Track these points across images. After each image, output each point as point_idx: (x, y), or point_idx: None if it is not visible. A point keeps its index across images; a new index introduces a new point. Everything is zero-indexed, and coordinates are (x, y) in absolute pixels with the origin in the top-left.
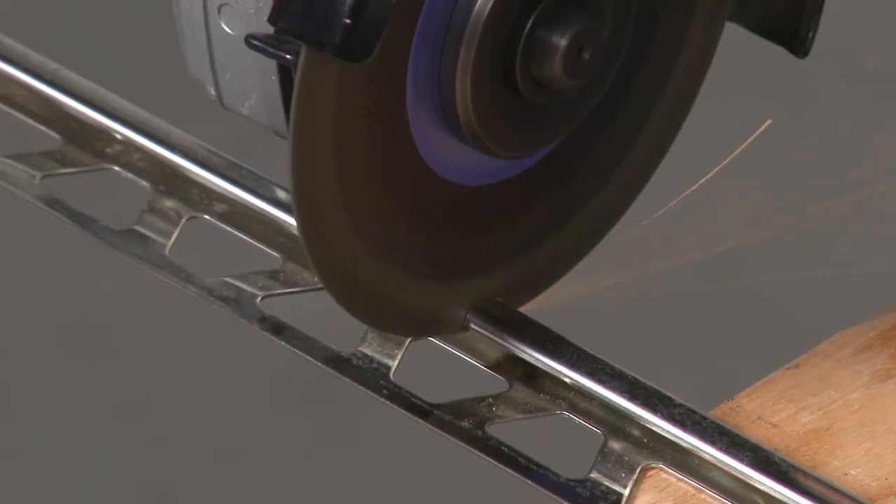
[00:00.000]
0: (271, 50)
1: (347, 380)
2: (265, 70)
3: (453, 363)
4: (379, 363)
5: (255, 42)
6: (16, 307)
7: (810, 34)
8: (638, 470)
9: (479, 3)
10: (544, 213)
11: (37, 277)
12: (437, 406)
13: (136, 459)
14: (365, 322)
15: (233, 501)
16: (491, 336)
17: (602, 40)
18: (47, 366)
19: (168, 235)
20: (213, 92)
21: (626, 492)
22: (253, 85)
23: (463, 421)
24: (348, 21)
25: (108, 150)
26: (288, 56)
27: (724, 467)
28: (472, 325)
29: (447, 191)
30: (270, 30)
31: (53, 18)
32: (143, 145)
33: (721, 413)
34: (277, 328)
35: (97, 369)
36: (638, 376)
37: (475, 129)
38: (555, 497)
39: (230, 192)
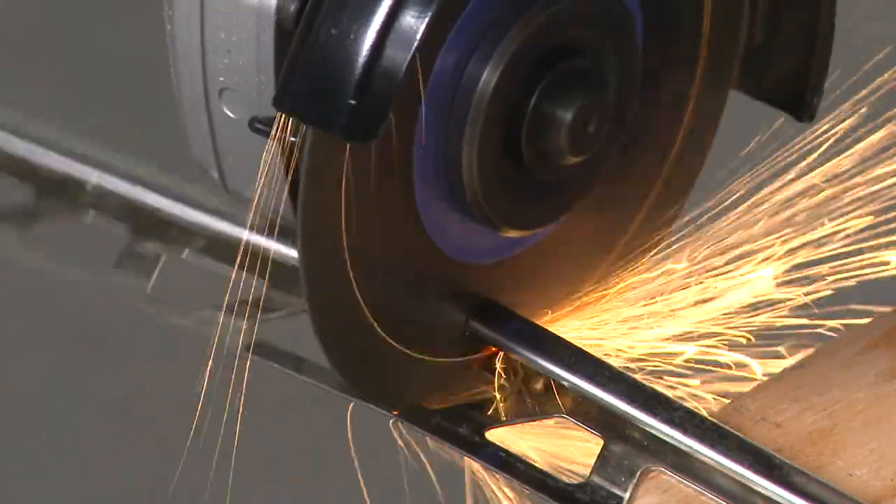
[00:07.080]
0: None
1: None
2: (269, 153)
3: None
4: None
5: (259, 126)
6: (16, 307)
7: (815, 100)
8: (638, 473)
9: (483, 78)
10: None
11: (36, 276)
12: (435, 412)
13: (135, 459)
14: (372, 399)
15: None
16: (490, 339)
17: (608, 114)
18: (47, 366)
19: (149, 275)
20: (216, 175)
21: (627, 495)
22: (256, 169)
23: (461, 427)
24: (353, 102)
25: (82, 197)
26: (293, 139)
27: (725, 471)
28: (472, 329)
29: (454, 269)
30: (273, 112)
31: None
32: (115, 189)
33: (725, 413)
34: (273, 353)
35: (97, 369)
36: (637, 378)
37: (482, 204)
38: (554, 503)
39: (209, 225)
